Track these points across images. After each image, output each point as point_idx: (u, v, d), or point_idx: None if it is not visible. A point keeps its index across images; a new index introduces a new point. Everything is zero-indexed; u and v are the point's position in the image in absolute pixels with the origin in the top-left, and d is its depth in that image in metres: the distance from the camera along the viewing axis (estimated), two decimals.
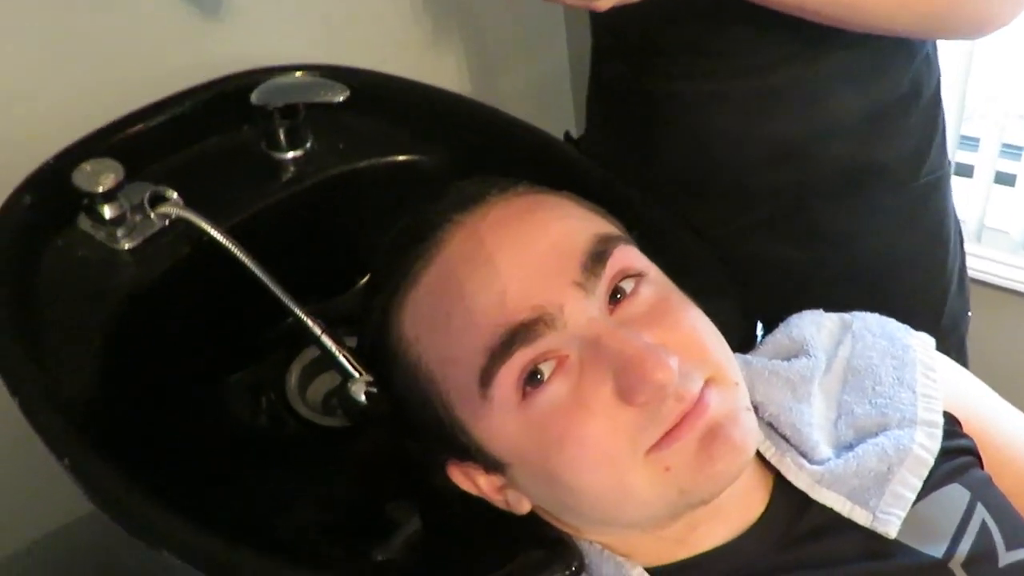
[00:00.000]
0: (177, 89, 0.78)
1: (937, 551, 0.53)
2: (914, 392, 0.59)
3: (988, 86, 1.29)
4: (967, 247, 0.96)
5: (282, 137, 0.79)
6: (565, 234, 0.52)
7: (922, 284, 0.89)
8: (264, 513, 0.66)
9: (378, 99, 0.83)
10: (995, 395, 0.66)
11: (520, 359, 0.49)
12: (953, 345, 0.92)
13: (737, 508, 0.55)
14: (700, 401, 0.49)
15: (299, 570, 0.51)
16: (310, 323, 0.72)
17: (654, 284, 0.53)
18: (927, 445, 0.56)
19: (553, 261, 0.50)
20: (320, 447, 0.75)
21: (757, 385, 0.60)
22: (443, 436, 0.53)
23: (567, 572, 0.52)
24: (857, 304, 0.69)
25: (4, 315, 0.61)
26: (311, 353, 0.79)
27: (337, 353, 0.73)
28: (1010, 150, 1.36)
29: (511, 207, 0.54)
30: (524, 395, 0.49)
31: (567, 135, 0.93)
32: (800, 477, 0.56)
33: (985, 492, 0.57)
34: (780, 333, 0.65)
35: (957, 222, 0.92)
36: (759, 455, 0.58)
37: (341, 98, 0.76)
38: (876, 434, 0.57)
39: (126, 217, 0.69)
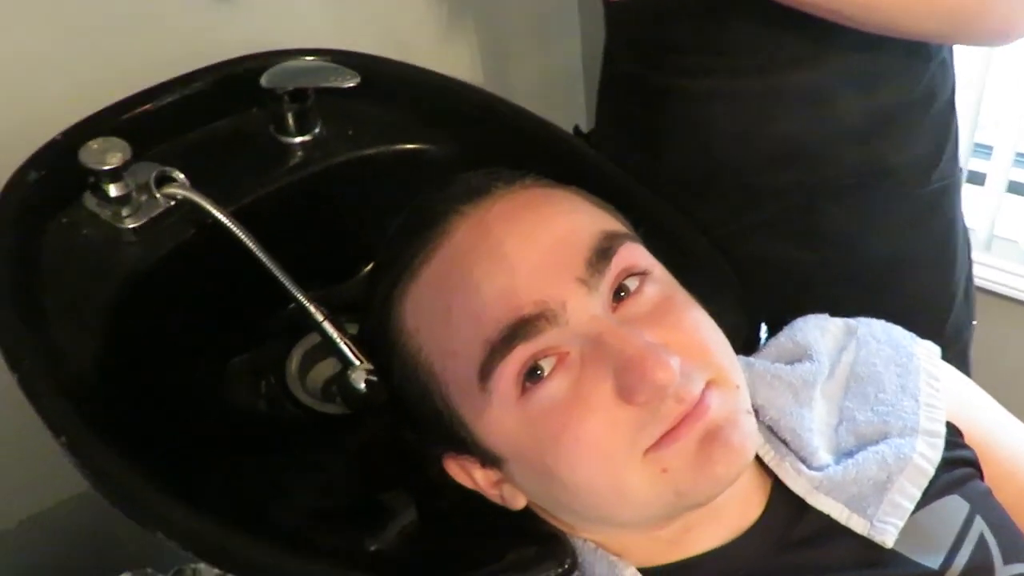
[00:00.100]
0: (188, 70, 0.77)
1: (933, 562, 0.53)
2: (917, 401, 0.59)
3: (1005, 93, 1.28)
4: (976, 256, 0.95)
5: (291, 121, 0.79)
6: (571, 229, 0.51)
7: (928, 291, 0.89)
8: (259, 497, 0.66)
9: (388, 86, 0.83)
10: (999, 407, 0.66)
11: (520, 354, 0.48)
12: (956, 354, 0.91)
13: (734, 511, 0.55)
14: (700, 403, 0.48)
15: (291, 556, 0.51)
16: (312, 309, 0.72)
17: (658, 283, 0.53)
18: (928, 455, 0.56)
19: (557, 256, 0.50)
20: (318, 434, 0.74)
21: (759, 388, 0.60)
22: (441, 428, 0.53)
23: (560, 570, 0.52)
24: (861, 308, 0.68)
25: (6, 291, 0.61)
26: (312, 339, 0.79)
27: (338, 340, 0.73)
28: None
29: (517, 200, 0.53)
30: (523, 390, 0.49)
31: (576, 129, 0.93)
32: (798, 482, 0.56)
33: (984, 505, 0.56)
34: (784, 336, 0.65)
35: (965, 230, 0.91)
36: (758, 459, 0.57)
37: (351, 84, 0.75)
38: (877, 442, 0.57)
39: (131, 196, 0.69)
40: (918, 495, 0.54)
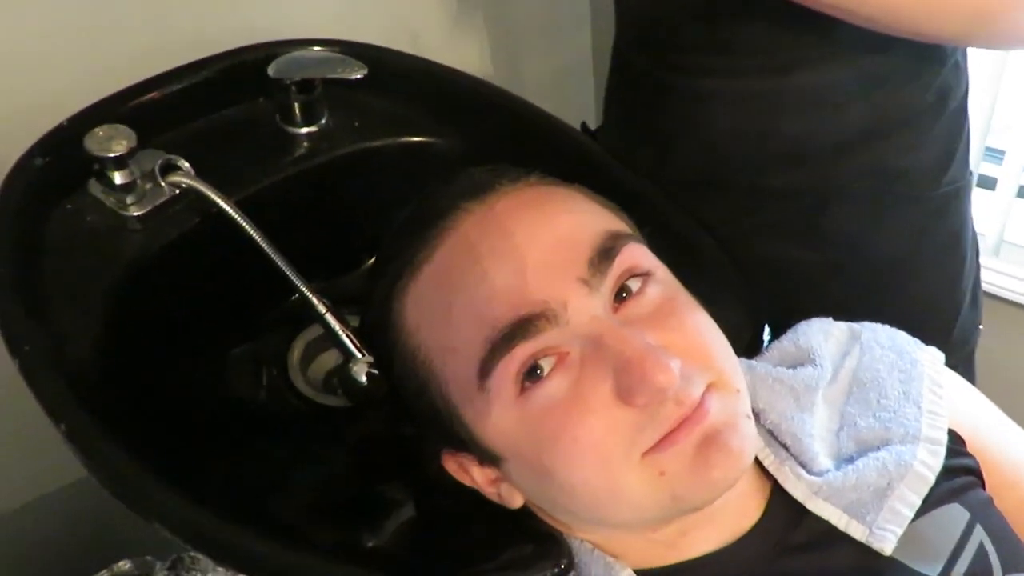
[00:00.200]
0: (195, 58, 0.77)
1: (932, 571, 0.53)
2: (919, 408, 0.58)
3: (1018, 97, 1.27)
4: (984, 260, 0.94)
5: (297, 112, 0.79)
6: (574, 229, 0.51)
7: (935, 295, 0.88)
8: (258, 487, 0.66)
9: (396, 79, 0.83)
10: (1002, 415, 0.65)
11: (520, 353, 0.48)
12: (961, 359, 0.91)
13: (732, 515, 0.55)
14: (700, 406, 0.48)
15: (287, 550, 0.51)
16: (315, 301, 0.72)
17: (661, 284, 0.53)
18: (929, 462, 0.55)
19: (560, 256, 0.50)
20: (318, 425, 0.74)
21: (760, 392, 0.59)
22: (439, 425, 0.53)
23: (556, 570, 0.52)
24: (867, 311, 0.68)
25: (8, 276, 0.61)
26: (315, 330, 0.78)
27: (340, 333, 0.72)
28: None
29: (521, 198, 0.53)
30: (522, 389, 0.49)
31: (584, 126, 0.92)
32: (798, 487, 0.55)
33: (985, 514, 0.56)
34: (787, 340, 0.65)
35: (974, 234, 0.90)
36: (758, 462, 0.57)
37: (359, 75, 0.75)
38: (878, 448, 0.57)
39: (136, 184, 0.69)
40: (918, 503, 0.54)
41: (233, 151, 0.77)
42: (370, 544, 0.60)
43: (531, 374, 0.49)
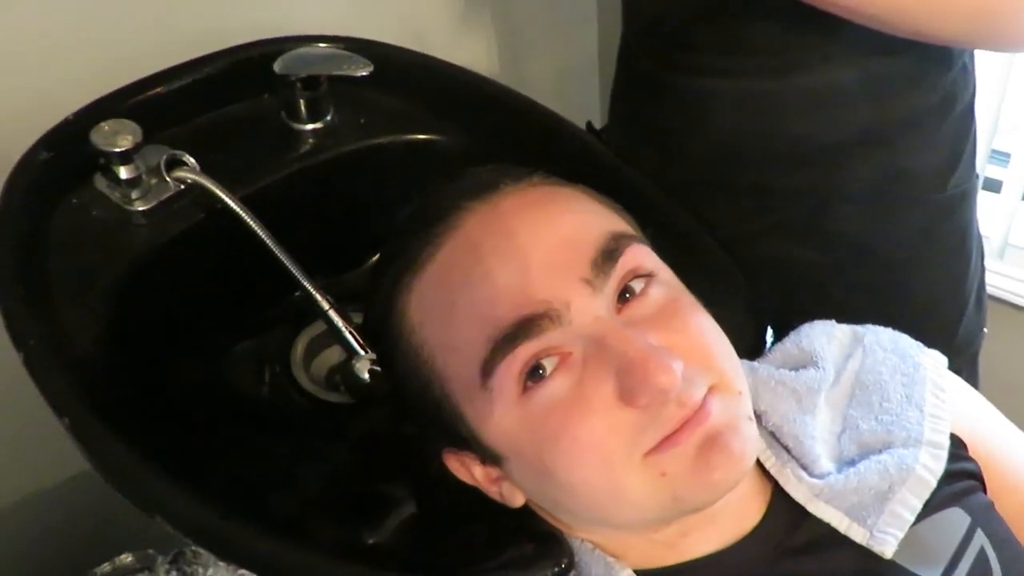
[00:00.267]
0: (201, 54, 0.77)
1: (932, 574, 0.53)
2: (922, 411, 0.58)
3: None
4: (988, 263, 0.94)
5: (303, 108, 0.79)
6: (577, 229, 0.51)
7: (940, 298, 0.88)
8: (259, 483, 0.66)
9: (402, 76, 0.83)
10: (1004, 420, 0.65)
11: (523, 353, 0.48)
12: (965, 362, 0.91)
13: (733, 516, 0.55)
14: (702, 408, 0.48)
15: (288, 547, 0.51)
16: (318, 297, 0.72)
17: (664, 285, 0.53)
18: (931, 466, 0.55)
19: (563, 256, 0.50)
20: (320, 422, 0.75)
21: (762, 394, 0.59)
22: (441, 423, 0.53)
23: (556, 569, 0.52)
24: (872, 313, 0.68)
25: (13, 269, 0.61)
26: (318, 327, 0.79)
27: (343, 329, 0.73)
28: None
29: (524, 197, 0.53)
30: (524, 389, 0.49)
31: (589, 125, 0.92)
32: (799, 489, 0.55)
33: (986, 518, 0.56)
34: (790, 342, 0.65)
35: (979, 237, 0.90)
36: (759, 464, 0.57)
37: (364, 72, 0.75)
38: (880, 451, 0.57)
39: (141, 179, 0.69)
40: (919, 506, 0.54)
41: (238, 147, 0.77)
42: (370, 541, 0.60)
43: (533, 374, 0.49)
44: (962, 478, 0.57)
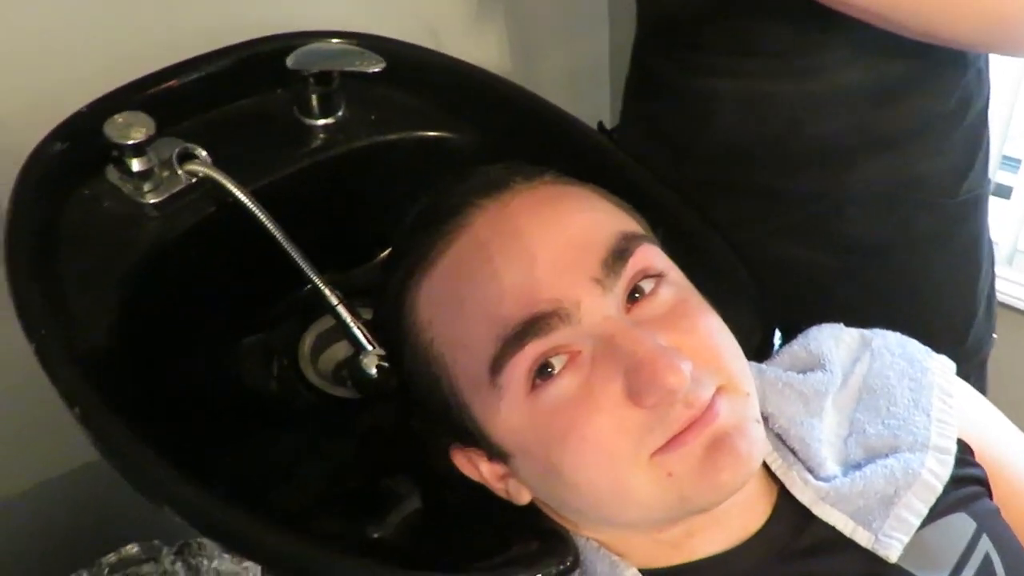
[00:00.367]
0: (215, 48, 0.77)
1: None
2: (929, 416, 0.58)
3: None
4: (998, 270, 0.94)
5: (315, 104, 0.79)
6: (588, 228, 0.51)
7: (950, 303, 0.88)
8: (266, 476, 0.66)
9: (414, 73, 0.83)
10: (1012, 426, 0.65)
11: (532, 351, 0.48)
12: (974, 367, 0.91)
13: (738, 518, 0.55)
14: (710, 409, 0.48)
15: (295, 539, 0.51)
16: (327, 292, 0.73)
17: (674, 286, 0.53)
18: (937, 471, 0.55)
19: (573, 255, 0.50)
20: (327, 416, 0.75)
21: (769, 396, 0.59)
22: (449, 420, 0.53)
23: (561, 567, 0.52)
24: (881, 317, 0.68)
25: (25, 261, 0.61)
26: (326, 322, 0.79)
27: (352, 325, 0.73)
28: None
29: (535, 196, 0.53)
30: (533, 387, 0.49)
31: (600, 125, 0.92)
32: (805, 492, 0.55)
33: (992, 524, 0.56)
34: (798, 344, 0.65)
35: (990, 243, 0.90)
36: (765, 466, 0.57)
37: (377, 69, 0.75)
38: (886, 455, 0.57)
39: (154, 172, 0.69)
40: (925, 511, 0.54)
41: (250, 141, 0.77)
42: (376, 535, 0.60)
43: (542, 372, 0.49)
44: (968, 484, 0.57)
